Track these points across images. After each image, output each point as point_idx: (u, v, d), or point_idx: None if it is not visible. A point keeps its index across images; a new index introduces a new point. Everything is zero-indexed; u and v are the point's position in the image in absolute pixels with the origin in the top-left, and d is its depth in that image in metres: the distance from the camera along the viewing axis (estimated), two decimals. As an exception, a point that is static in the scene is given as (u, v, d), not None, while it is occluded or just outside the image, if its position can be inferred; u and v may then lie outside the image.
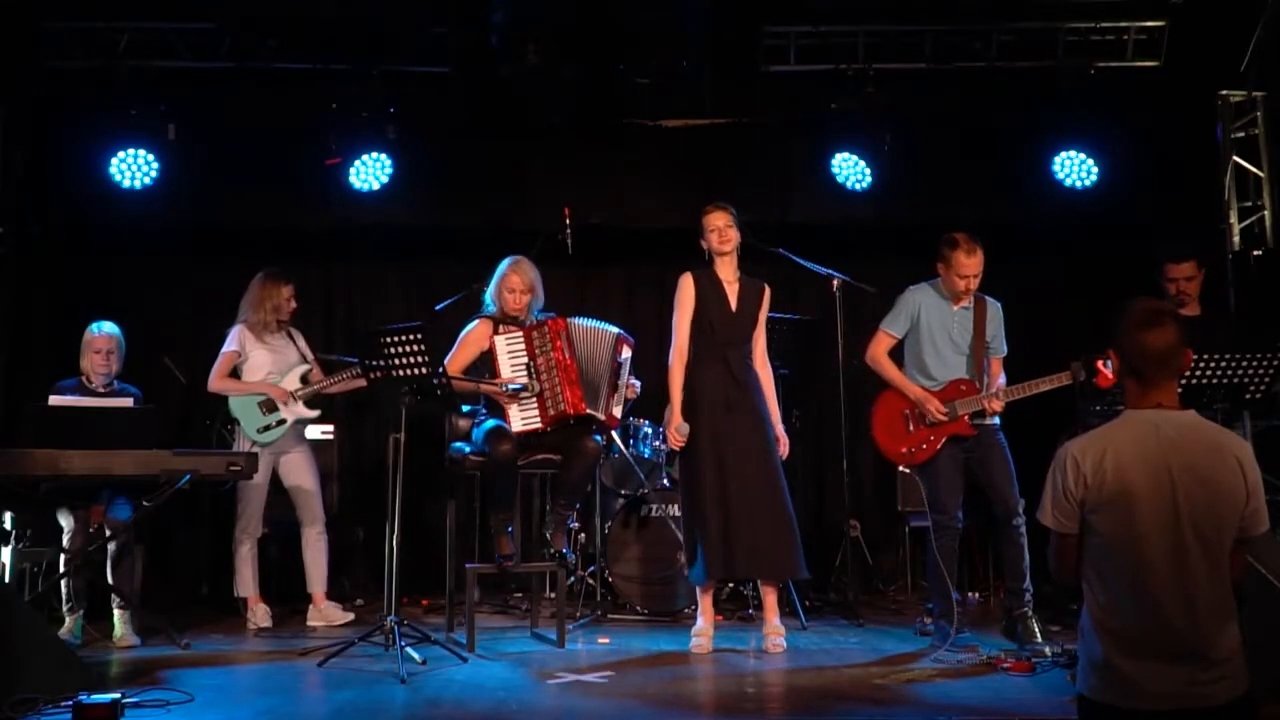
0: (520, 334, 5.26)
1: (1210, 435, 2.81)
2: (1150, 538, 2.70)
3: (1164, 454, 2.73)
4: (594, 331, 5.35)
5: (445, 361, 5.04)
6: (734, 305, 5.14)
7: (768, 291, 5.23)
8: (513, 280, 5.34)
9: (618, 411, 5.36)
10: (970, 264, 5.06)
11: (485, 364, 5.28)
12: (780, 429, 5.13)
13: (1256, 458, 2.78)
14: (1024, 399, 5.07)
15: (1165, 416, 2.79)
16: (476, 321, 5.37)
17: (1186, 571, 2.68)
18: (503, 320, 5.34)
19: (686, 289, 5.15)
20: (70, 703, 3.66)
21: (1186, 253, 5.62)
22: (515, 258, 5.41)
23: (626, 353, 5.35)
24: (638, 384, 5.46)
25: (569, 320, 5.35)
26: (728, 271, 5.17)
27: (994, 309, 5.23)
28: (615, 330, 5.37)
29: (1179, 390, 4.78)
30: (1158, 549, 2.69)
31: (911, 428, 5.11)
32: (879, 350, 5.24)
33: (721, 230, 5.11)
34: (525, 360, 5.22)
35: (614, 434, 6.08)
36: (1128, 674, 2.68)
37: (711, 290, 5.15)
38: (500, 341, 5.25)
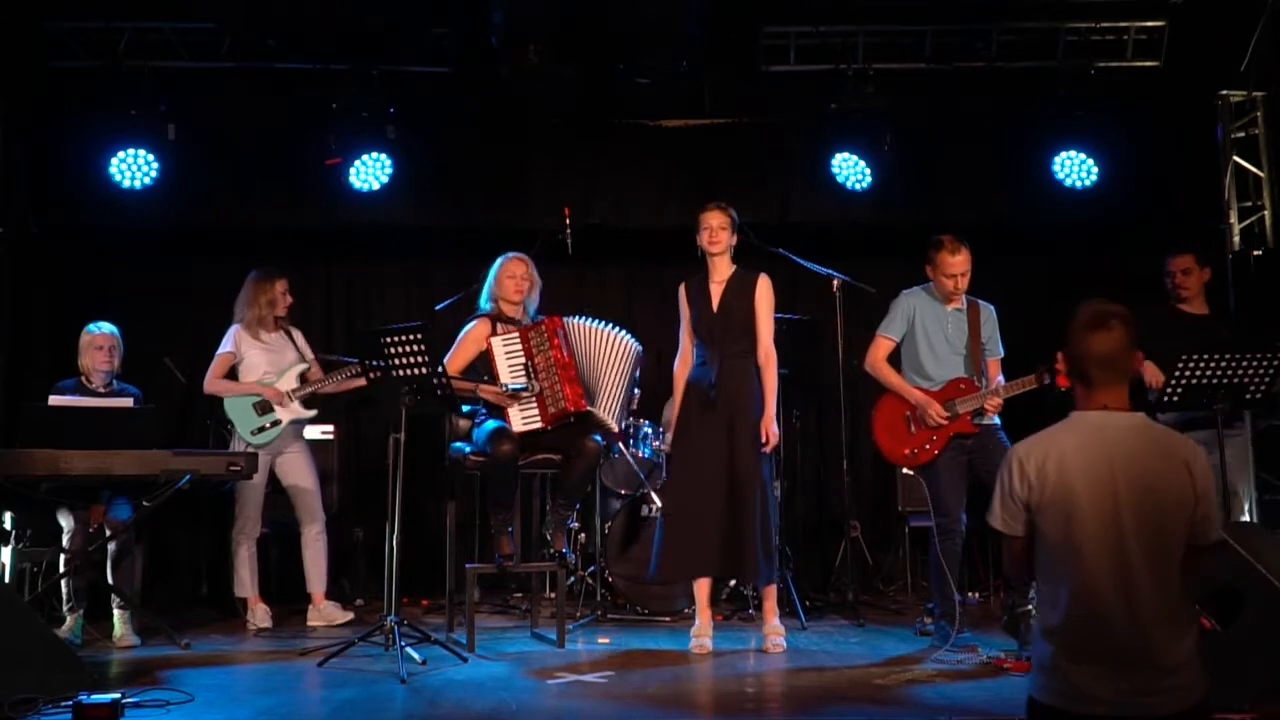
0: (517, 334, 5.26)
1: (1157, 439, 2.76)
2: (1091, 541, 2.66)
3: (1107, 456, 2.69)
4: (604, 336, 5.33)
5: (444, 361, 5.04)
6: (715, 306, 5.13)
7: (761, 281, 5.13)
8: (514, 267, 5.39)
9: (624, 424, 5.37)
10: (956, 262, 5.06)
11: (483, 365, 5.27)
12: (771, 426, 5.04)
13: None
14: (1021, 401, 5.07)
15: (1110, 419, 2.75)
16: (475, 321, 5.38)
17: (1129, 576, 2.63)
18: (500, 319, 5.35)
19: (680, 299, 5.24)
20: (70, 703, 3.65)
21: (1185, 246, 5.62)
22: (512, 252, 5.47)
23: (638, 370, 5.39)
24: (637, 392, 5.50)
25: (565, 319, 5.34)
26: (718, 272, 5.16)
27: (987, 311, 5.23)
28: (637, 347, 5.37)
29: (1181, 390, 4.84)
30: (1099, 553, 2.65)
31: (913, 429, 5.10)
32: (878, 355, 5.23)
33: (713, 230, 5.10)
34: (523, 360, 5.21)
35: (614, 434, 6.10)
36: (1072, 678, 2.63)
37: (699, 294, 5.17)
38: (497, 343, 5.24)
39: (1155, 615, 2.62)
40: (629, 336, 5.38)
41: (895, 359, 5.26)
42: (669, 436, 5.22)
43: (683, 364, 5.22)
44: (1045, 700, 2.69)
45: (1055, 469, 2.71)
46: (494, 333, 5.28)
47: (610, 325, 5.39)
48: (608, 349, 5.31)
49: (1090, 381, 2.78)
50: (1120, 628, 2.61)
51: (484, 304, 5.44)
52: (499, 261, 5.44)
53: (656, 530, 5.14)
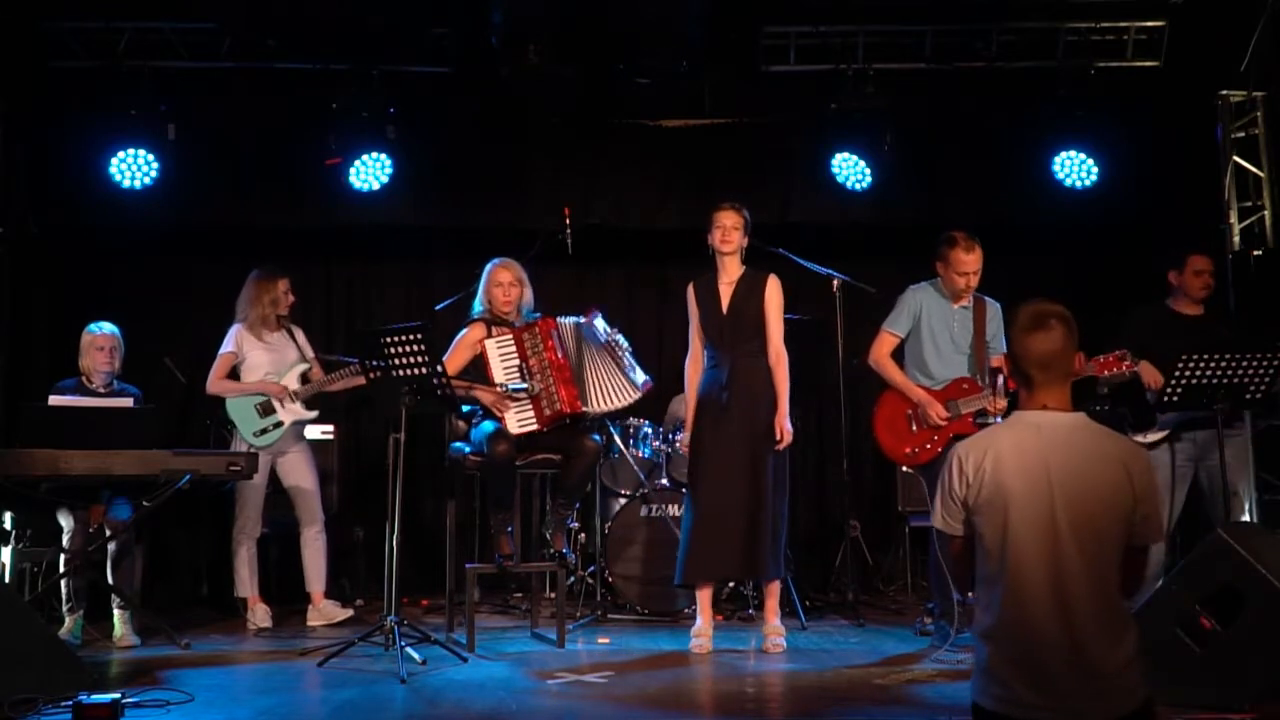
0: (511, 336, 5.25)
1: (1095, 439, 2.72)
2: (1025, 541, 2.62)
3: (1043, 457, 2.66)
4: (575, 328, 5.33)
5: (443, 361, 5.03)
6: (725, 307, 5.13)
7: (771, 282, 5.15)
8: (500, 275, 5.37)
9: (640, 377, 5.28)
10: (969, 260, 5.06)
11: (478, 370, 5.25)
12: (785, 423, 5.06)
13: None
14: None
15: (1049, 418, 2.72)
16: (469, 325, 5.38)
17: (1064, 579, 2.58)
18: (494, 322, 5.34)
19: (689, 299, 5.24)
20: (70, 703, 3.66)
21: (1199, 247, 5.57)
22: (500, 258, 5.45)
23: (601, 321, 5.29)
24: (608, 334, 5.31)
25: (558, 320, 5.34)
26: (728, 272, 5.16)
27: (993, 309, 5.22)
28: (573, 320, 5.31)
29: (1181, 390, 4.83)
30: (1033, 554, 2.61)
31: (915, 428, 5.10)
32: (882, 351, 5.23)
33: (726, 230, 5.11)
34: (518, 362, 5.21)
35: (614, 434, 6.09)
36: (1006, 681, 2.60)
37: (708, 295, 5.18)
38: (491, 345, 5.23)
39: (1091, 617, 2.58)
40: (567, 319, 5.33)
41: (899, 355, 5.25)
42: (685, 437, 5.19)
43: (694, 364, 5.23)
44: (986, 705, 2.65)
45: (992, 467, 2.68)
46: (489, 335, 5.28)
47: (574, 318, 5.35)
48: (572, 340, 5.29)
49: (1030, 382, 2.76)
50: (1053, 630, 2.57)
51: (477, 308, 5.44)
52: (486, 269, 5.43)
53: (682, 537, 5.13)
